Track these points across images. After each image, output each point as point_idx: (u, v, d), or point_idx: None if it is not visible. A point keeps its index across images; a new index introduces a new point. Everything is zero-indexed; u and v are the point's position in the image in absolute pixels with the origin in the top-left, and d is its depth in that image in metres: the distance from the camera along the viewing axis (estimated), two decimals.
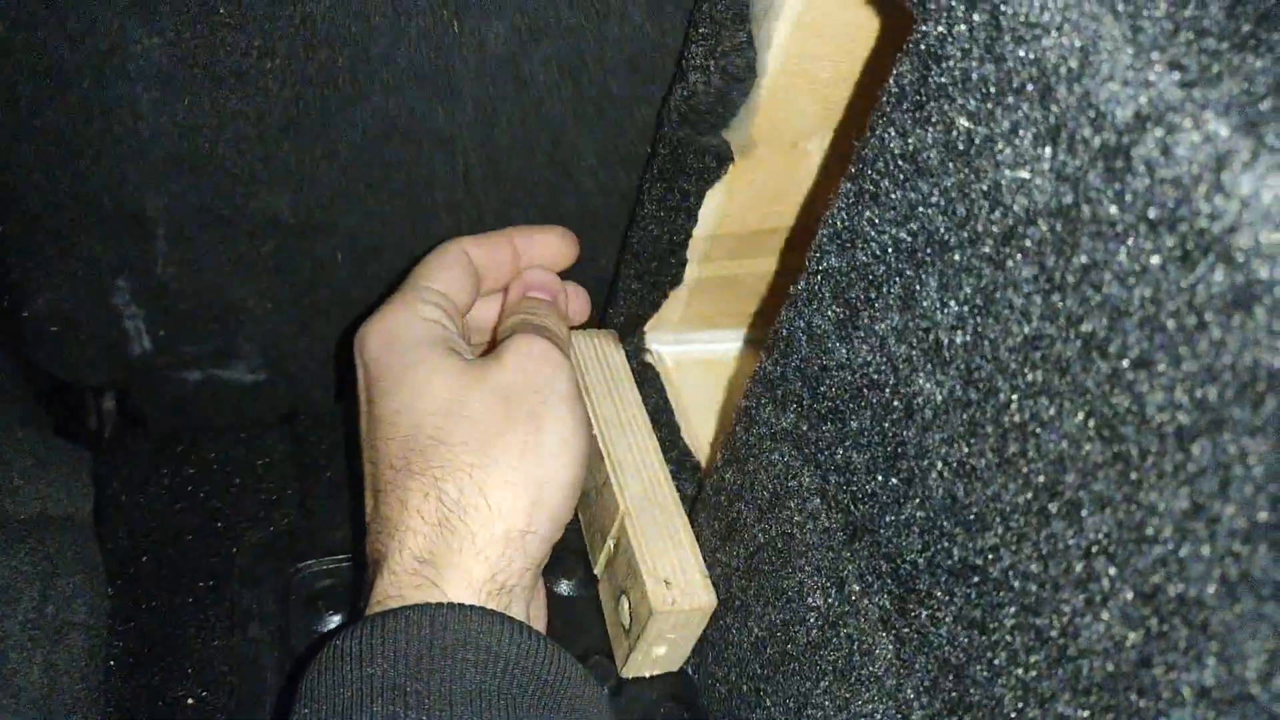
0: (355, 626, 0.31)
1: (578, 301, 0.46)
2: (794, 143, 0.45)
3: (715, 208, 0.47)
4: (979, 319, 0.26)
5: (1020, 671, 0.25)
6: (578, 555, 0.47)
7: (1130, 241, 0.21)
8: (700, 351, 0.54)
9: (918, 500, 0.28)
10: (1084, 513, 0.23)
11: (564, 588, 0.46)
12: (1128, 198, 0.21)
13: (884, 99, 0.29)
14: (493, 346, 0.42)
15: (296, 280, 0.50)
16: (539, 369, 0.36)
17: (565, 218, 0.51)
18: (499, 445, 0.34)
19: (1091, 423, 0.22)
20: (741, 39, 0.40)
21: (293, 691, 0.31)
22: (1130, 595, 0.22)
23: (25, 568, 0.36)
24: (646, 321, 0.52)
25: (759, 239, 0.49)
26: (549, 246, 0.44)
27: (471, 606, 0.31)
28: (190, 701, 0.39)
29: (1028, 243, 0.24)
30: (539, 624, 0.38)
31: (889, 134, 0.28)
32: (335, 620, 0.43)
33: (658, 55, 0.45)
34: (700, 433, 0.51)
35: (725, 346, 0.55)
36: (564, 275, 0.53)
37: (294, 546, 0.45)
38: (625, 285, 0.50)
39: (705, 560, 0.42)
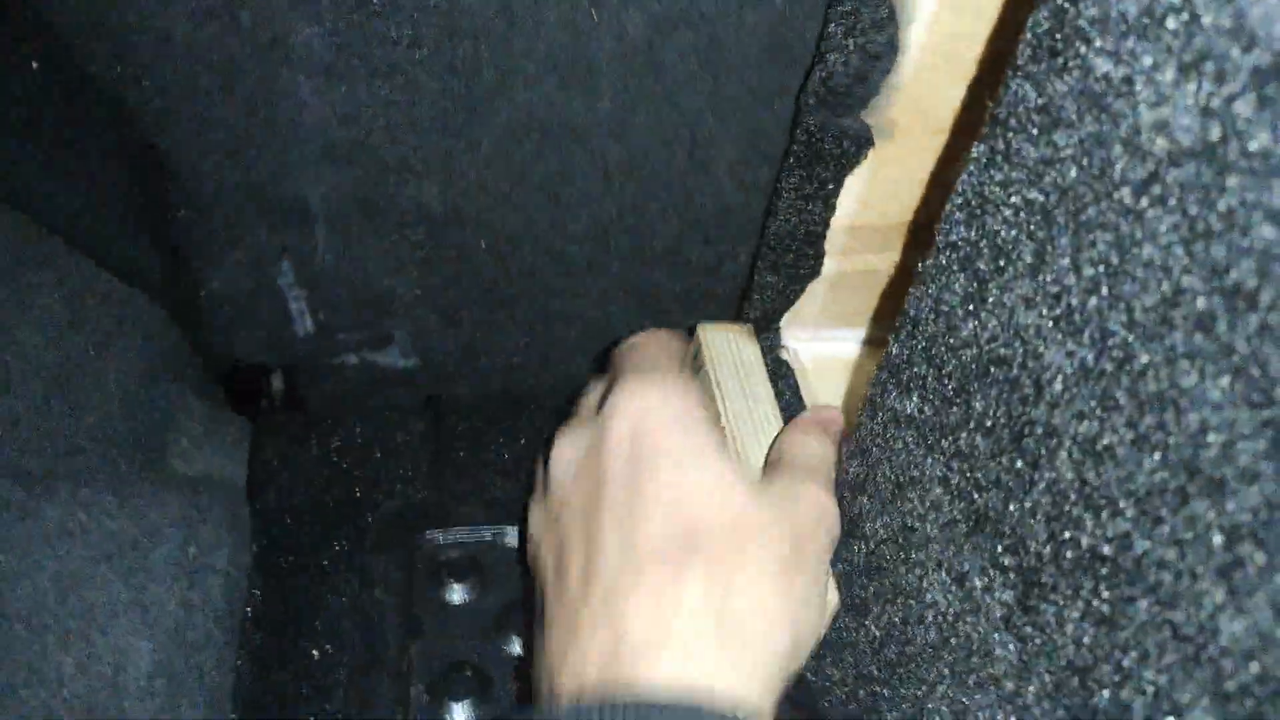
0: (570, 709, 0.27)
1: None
2: (937, 129, 0.43)
3: (854, 197, 0.45)
4: (1114, 279, 0.23)
5: (1152, 674, 0.22)
6: None
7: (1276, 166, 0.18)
8: (837, 349, 0.52)
9: (1044, 485, 0.26)
10: (1227, 491, 0.20)
11: None
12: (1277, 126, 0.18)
13: (1019, 51, 0.27)
14: None
15: (443, 271, 0.52)
16: (820, 524, 0.35)
17: (702, 213, 0.51)
18: (782, 584, 0.31)
19: (1238, 386, 0.20)
20: (884, 13, 0.38)
21: None
22: (1274, 584, 0.19)
23: (174, 514, 0.39)
24: (782, 316, 0.51)
25: (900, 231, 0.47)
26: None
27: (683, 706, 0.27)
28: (315, 654, 0.41)
29: (1168, 189, 0.21)
30: None
31: (1024, 88, 0.26)
32: (457, 590, 0.44)
33: (798, 44, 0.44)
34: None
35: (863, 346, 0.52)
36: (699, 276, 0.53)
37: (423, 518, 0.46)
38: (761, 278, 0.49)
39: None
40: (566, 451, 0.35)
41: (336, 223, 0.49)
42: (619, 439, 0.33)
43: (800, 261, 0.48)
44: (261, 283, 0.52)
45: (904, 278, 0.49)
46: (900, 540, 0.34)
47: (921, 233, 0.46)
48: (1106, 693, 0.23)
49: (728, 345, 0.50)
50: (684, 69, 0.45)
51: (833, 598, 0.37)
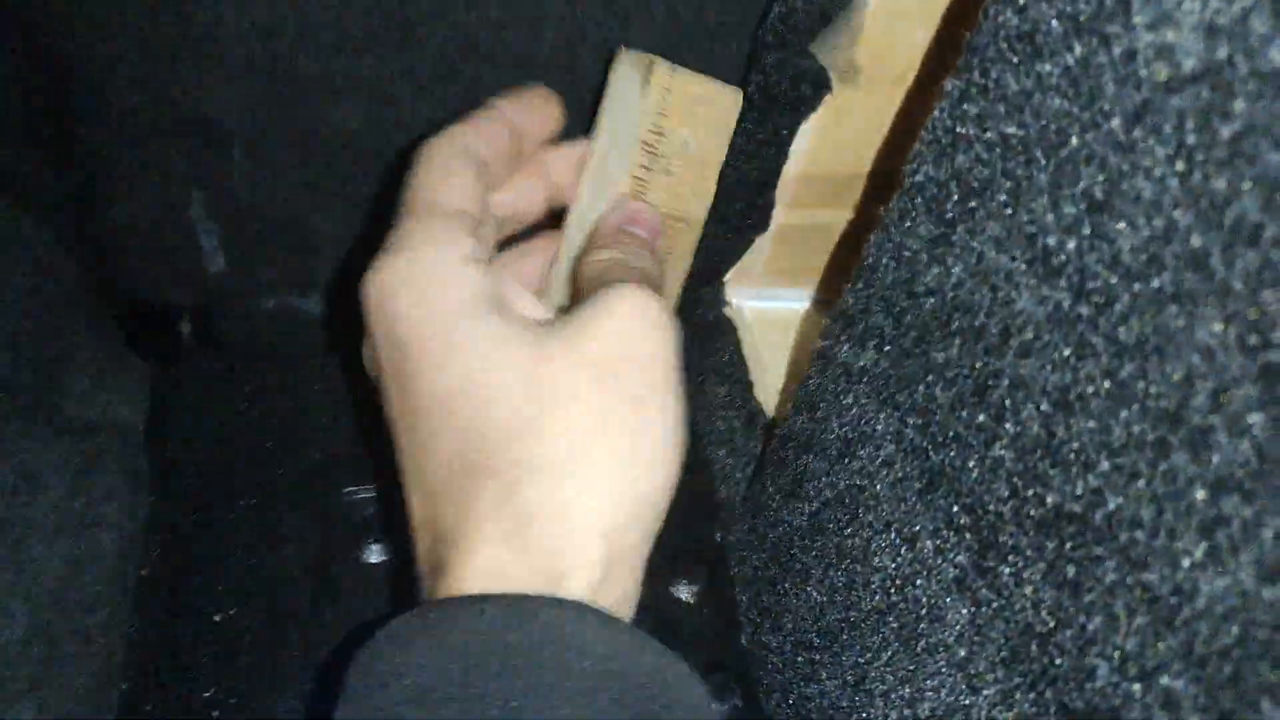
0: (421, 609, 0.24)
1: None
2: (899, 75, 0.41)
3: (809, 144, 0.43)
4: (1097, 216, 0.21)
5: (1119, 638, 0.21)
6: (699, 557, 0.44)
7: None
8: (782, 309, 0.50)
9: (1008, 439, 0.24)
10: (1215, 441, 0.18)
11: (684, 593, 0.43)
12: None
13: None
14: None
15: (371, 208, 0.49)
16: (646, 337, 0.27)
17: None
18: (598, 442, 0.26)
19: (1232, 330, 0.18)
20: None
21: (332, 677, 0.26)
22: (1270, 540, 0.17)
23: (57, 461, 0.35)
24: (727, 271, 0.49)
25: (855, 184, 0.45)
26: (545, 116, 0.35)
27: (569, 601, 0.24)
28: (217, 618, 0.38)
29: (1165, 117, 0.20)
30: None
31: (1005, 14, 0.24)
32: (375, 550, 0.41)
33: None
34: (775, 392, 0.47)
35: (807, 304, 0.51)
36: None
37: (342, 473, 0.43)
38: (706, 229, 0.47)
39: (768, 519, 0.38)
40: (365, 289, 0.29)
41: (254, 148, 0.45)
42: (375, 337, 0.28)
43: (749, 211, 0.46)
44: (170, 213, 0.48)
45: (855, 235, 0.47)
46: (847, 500, 0.32)
47: (877, 186, 0.45)
48: (1067, 659, 0.22)
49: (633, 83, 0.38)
50: (635, 0, 0.42)
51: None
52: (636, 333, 0.27)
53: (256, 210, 0.48)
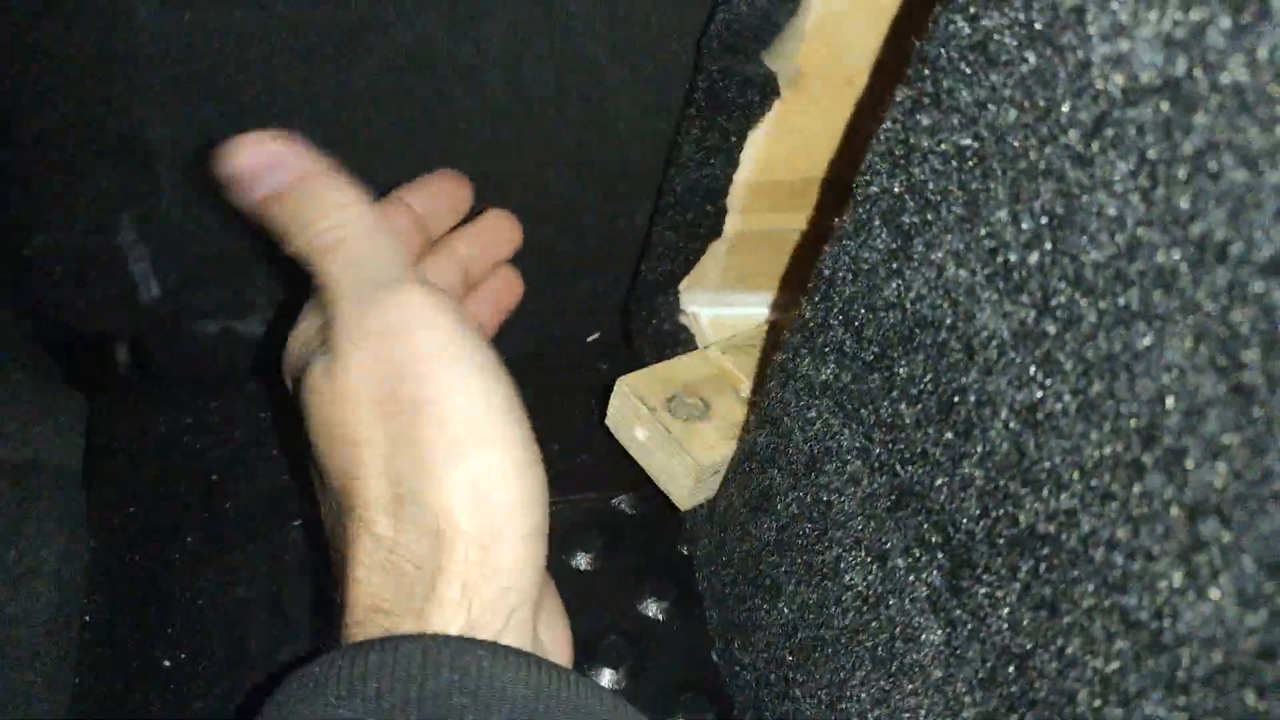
0: (330, 656, 0.24)
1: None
2: (848, 79, 0.41)
3: (760, 150, 0.42)
4: (1059, 232, 0.21)
5: (1099, 663, 0.20)
6: (597, 525, 0.43)
7: (1262, 111, 0.16)
8: (739, 315, 0.49)
9: (977, 457, 0.24)
10: (1189, 463, 0.18)
11: (580, 561, 0.42)
12: (1261, 54, 0.16)
13: None
14: None
15: None
16: (419, 333, 0.27)
17: (597, 164, 0.47)
18: (408, 462, 0.26)
19: (1203, 348, 0.18)
20: None
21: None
22: (1251, 566, 0.17)
23: None
24: (682, 279, 0.48)
25: (808, 189, 0.45)
26: (453, 200, 0.38)
27: (470, 640, 0.24)
28: (167, 664, 0.36)
29: (1124, 130, 0.19)
30: (557, 645, 0.31)
31: (956, 23, 0.24)
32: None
33: None
34: (737, 405, 0.46)
35: (766, 311, 0.50)
36: (594, 233, 0.50)
37: (291, 504, 0.42)
38: (659, 237, 0.46)
39: (735, 534, 0.37)
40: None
41: (185, 169, 0.44)
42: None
43: (701, 219, 0.45)
44: (98, 239, 0.46)
45: (810, 240, 0.47)
46: (815, 516, 0.31)
47: (829, 192, 0.44)
48: (1046, 683, 0.22)
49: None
50: (579, 6, 0.41)
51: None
52: (405, 334, 0.27)
53: (191, 232, 0.46)
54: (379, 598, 0.26)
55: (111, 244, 0.46)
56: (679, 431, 0.38)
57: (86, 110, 0.41)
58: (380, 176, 0.46)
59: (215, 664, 0.37)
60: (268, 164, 0.31)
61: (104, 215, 0.45)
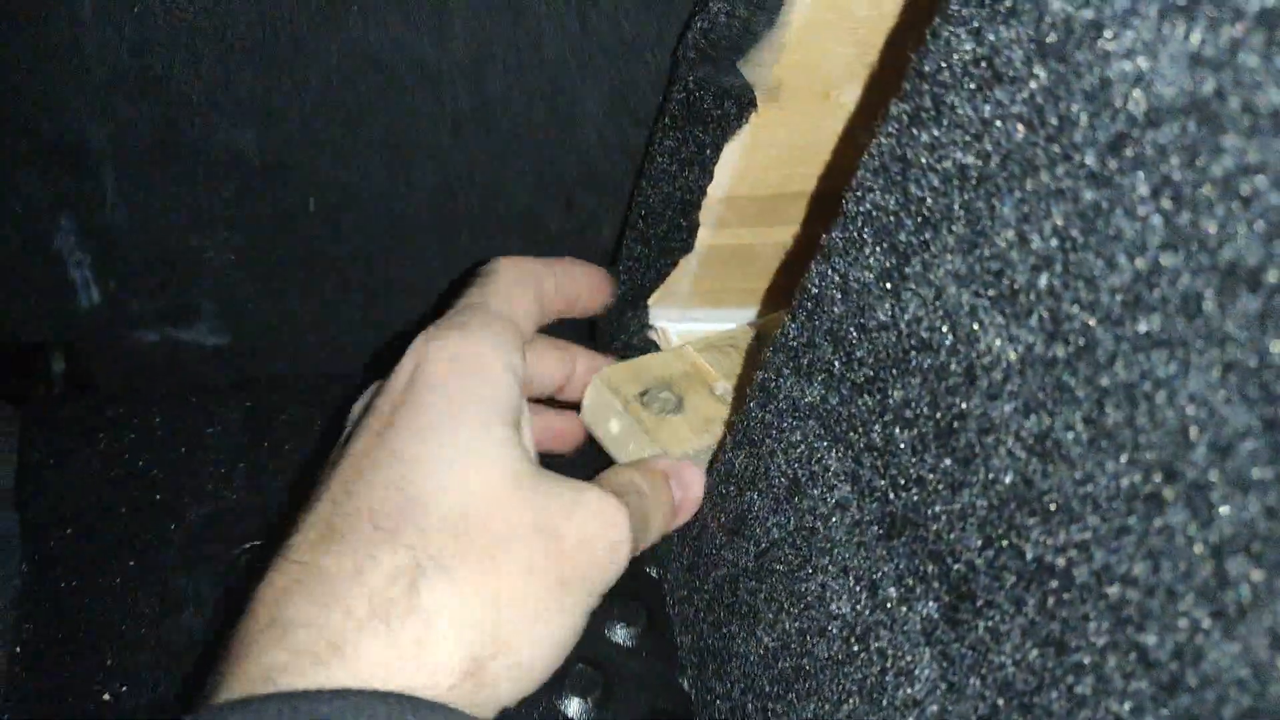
0: (254, 703, 0.22)
1: None
2: (825, 92, 0.40)
3: (734, 164, 0.41)
4: (1073, 254, 0.20)
5: (1114, 703, 0.19)
6: (635, 597, 0.41)
7: None
8: (708, 330, 0.48)
9: (979, 486, 0.23)
10: (1215, 498, 0.17)
11: (620, 635, 0.40)
12: None
13: None
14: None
15: (261, 230, 0.45)
16: (594, 538, 0.29)
17: (564, 174, 0.46)
18: (504, 577, 0.26)
19: (1232, 378, 0.17)
20: None
21: None
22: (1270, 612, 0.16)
23: None
24: (652, 293, 0.47)
25: (781, 204, 0.44)
26: (598, 291, 0.40)
27: (362, 692, 0.23)
28: (106, 698, 0.34)
29: (1146, 150, 0.18)
30: None
31: (958, 36, 0.23)
32: None
33: None
34: None
35: (737, 329, 0.49)
36: (560, 246, 0.48)
37: (240, 525, 0.39)
38: (630, 250, 0.45)
39: (709, 558, 0.36)
40: (381, 384, 0.31)
41: (129, 170, 0.41)
42: (396, 383, 0.30)
43: (673, 233, 0.44)
44: (34, 244, 0.43)
45: (785, 256, 0.46)
46: (798, 541, 0.30)
47: (807, 206, 0.44)
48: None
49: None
50: (548, 9, 0.40)
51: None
52: (590, 530, 0.29)
53: (133, 238, 0.44)
54: (374, 667, 0.24)
55: (48, 248, 0.43)
56: (651, 424, 0.38)
57: (21, 107, 0.38)
58: (334, 181, 0.44)
59: (157, 697, 0.34)
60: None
61: (40, 218, 0.42)
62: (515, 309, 0.32)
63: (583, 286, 0.38)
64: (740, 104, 0.39)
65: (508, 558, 0.27)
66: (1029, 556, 0.21)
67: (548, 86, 0.42)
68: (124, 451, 0.41)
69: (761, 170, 0.42)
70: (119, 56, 0.37)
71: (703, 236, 0.44)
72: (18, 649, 0.34)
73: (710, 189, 0.42)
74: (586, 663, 0.38)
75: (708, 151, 0.41)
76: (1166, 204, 0.18)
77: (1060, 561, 0.21)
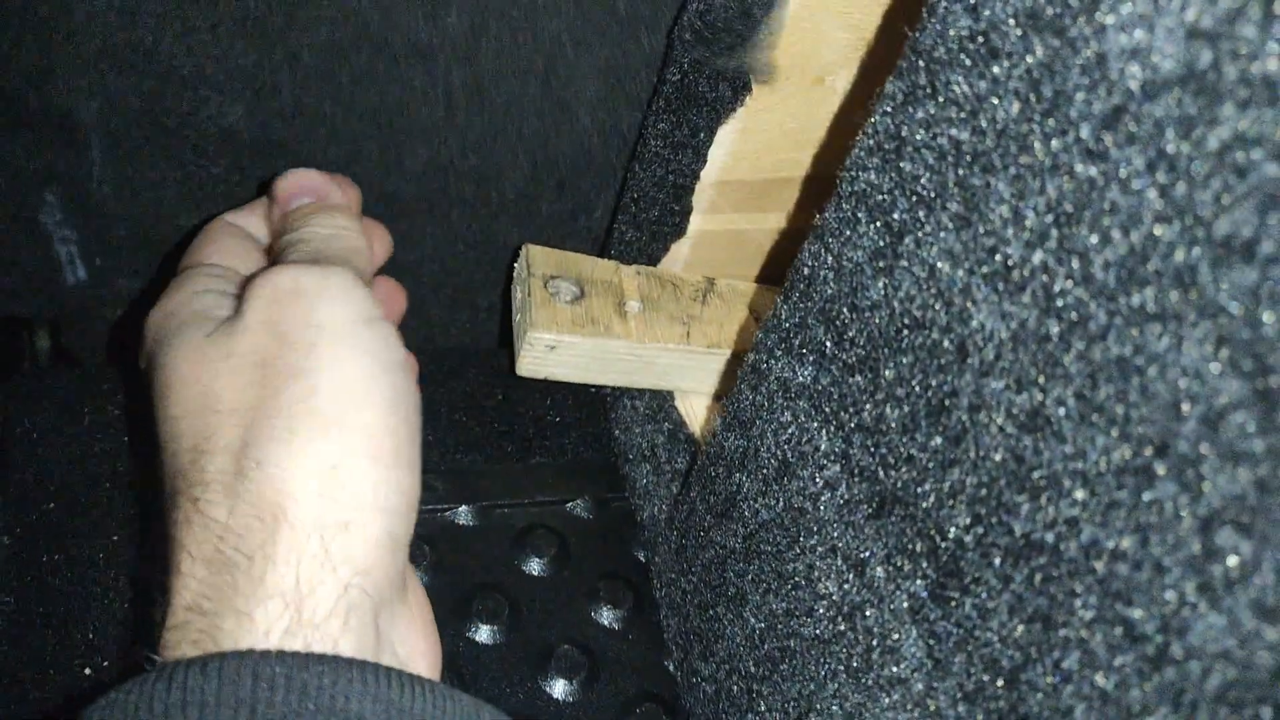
0: (139, 681, 0.21)
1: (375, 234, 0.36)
2: (819, 77, 0.40)
3: (727, 148, 0.41)
4: (1067, 229, 0.20)
5: (1100, 677, 0.19)
6: (551, 529, 0.41)
7: None
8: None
9: (969, 463, 0.23)
10: (1206, 470, 0.17)
11: (533, 566, 0.40)
12: None
13: None
14: None
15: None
16: (293, 308, 0.26)
17: (556, 156, 0.46)
18: (263, 431, 0.24)
19: (1224, 352, 0.17)
20: None
21: None
22: (1271, 578, 0.16)
23: None
24: None
25: (773, 189, 0.44)
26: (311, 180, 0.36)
27: (307, 655, 0.22)
28: (88, 671, 0.34)
29: (1142, 124, 0.18)
30: (414, 659, 0.27)
31: (953, 12, 0.23)
32: None
33: None
34: (696, 404, 0.45)
35: None
36: (551, 228, 0.48)
37: None
38: (621, 234, 0.45)
39: (697, 540, 0.36)
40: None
41: (116, 144, 0.41)
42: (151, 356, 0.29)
43: (665, 217, 0.44)
44: (19, 218, 0.43)
45: (777, 242, 0.46)
46: (787, 522, 0.30)
47: (799, 192, 0.44)
48: (1040, 696, 0.21)
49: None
50: None
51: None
52: (279, 310, 0.26)
53: (120, 214, 0.43)
54: (200, 594, 0.23)
55: (34, 223, 0.43)
56: (538, 300, 0.41)
57: (9, 79, 0.38)
58: (325, 158, 0.43)
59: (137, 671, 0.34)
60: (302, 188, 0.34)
61: (25, 193, 0.42)
62: (210, 255, 0.33)
63: (299, 202, 0.35)
64: (735, 87, 0.39)
65: (252, 410, 0.25)
66: (1017, 533, 0.21)
67: (542, 65, 0.42)
68: (109, 426, 0.41)
69: (755, 155, 0.42)
70: (108, 28, 0.37)
71: (695, 221, 0.44)
72: None
73: (703, 173, 0.42)
74: (572, 645, 0.38)
75: (701, 135, 0.41)
76: (1162, 177, 0.18)
77: (1049, 537, 0.21)
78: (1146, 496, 0.18)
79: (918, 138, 0.25)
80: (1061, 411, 0.20)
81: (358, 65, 0.40)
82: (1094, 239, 0.20)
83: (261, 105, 0.41)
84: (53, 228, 0.44)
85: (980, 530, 0.22)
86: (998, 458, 0.22)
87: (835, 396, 0.28)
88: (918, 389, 0.25)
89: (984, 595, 0.22)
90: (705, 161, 0.42)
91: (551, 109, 0.44)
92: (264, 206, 0.36)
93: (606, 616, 0.40)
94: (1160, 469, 0.18)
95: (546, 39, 0.41)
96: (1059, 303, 0.20)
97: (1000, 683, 0.22)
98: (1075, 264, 0.20)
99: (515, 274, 0.43)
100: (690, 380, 0.44)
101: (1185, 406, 0.18)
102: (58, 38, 0.37)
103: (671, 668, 0.38)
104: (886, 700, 0.26)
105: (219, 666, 0.21)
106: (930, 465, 0.24)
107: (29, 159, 0.41)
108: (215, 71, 0.39)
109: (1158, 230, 0.18)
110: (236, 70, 0.39)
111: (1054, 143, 0.20)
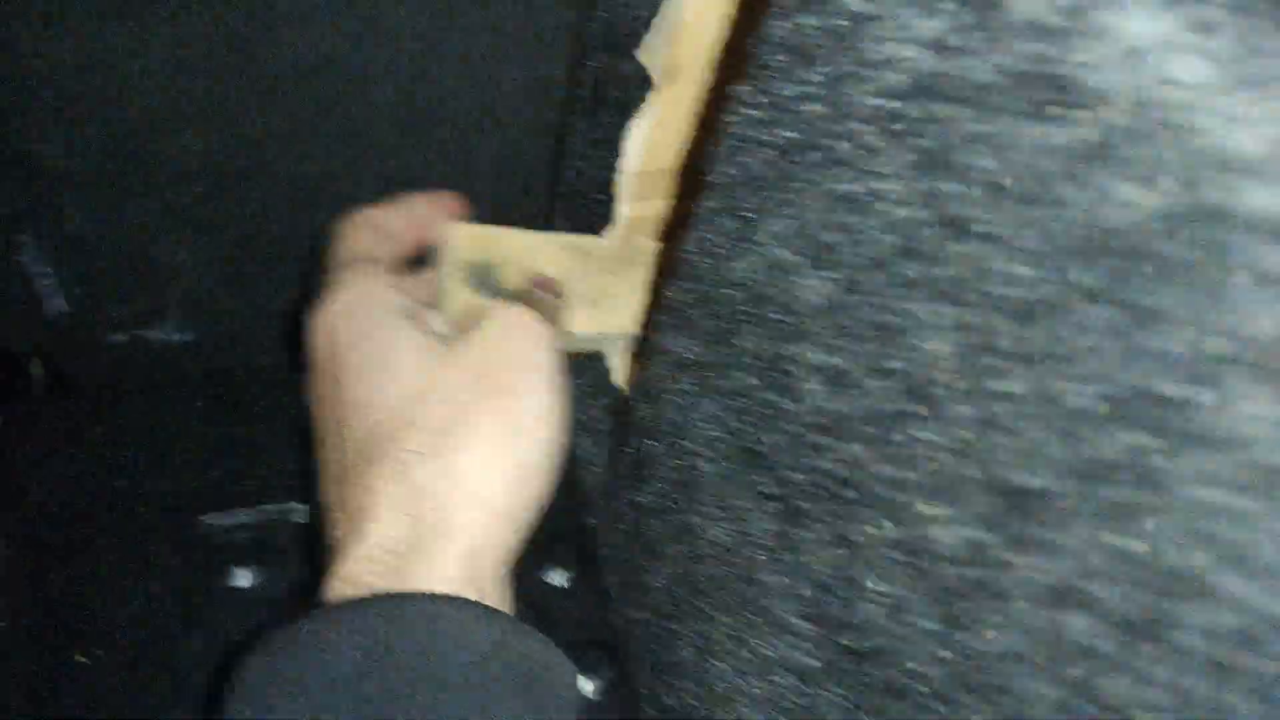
0: (309, 617, 0.26)
1: None
2: (714, 68, 0.43)
3: (642, 141, 0.45)
4: (856, 217, 0.24)
5: (886, 587, 0.23)
6: (569, 543, 0.45)
7: (995, 99, 0.19)
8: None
9: (794, 415, 0.27)
10: (947, 411, 0.21)
11: (557, 578, 0.44)
12: (997, 59, 0.19)
13: None
14: None
15: (225, 232, 0.48)
16: (516, 342, 0.34)
17: (487, 160, 0.49)
18: (472, 425, 0.31)
19: (949, 311, 0.21)
20: None
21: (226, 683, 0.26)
22: (985, 495, 0.20)
23: None
24: None
25: (693, 175, 0.47)
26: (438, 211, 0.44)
27: (447, 596, 0.27)
28: (83, 659, 0.38)
29: (905, 125, 0.22)
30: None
31: (780, 26, 0.27)
32: (240, 575, 0.41)
33: None
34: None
35: None
36: (495, 216, 0.52)
37: (202, 499, 0.43)
38: (557, 227, 0.49)
39: (623, 503, 0.40)
40: (313, 321, 0.36)
41: (88, 184, 0.44)
42: (319, 341, 0.35)
43: (595, 208, 0.48)
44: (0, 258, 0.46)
45: (671, 228, 0.49)
46: (685, 480, 0.34)
47: (689, 179, 0.47)
48: (847, 606, 0.25)
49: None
50: (461, 8, 0.43)
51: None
52: (506, 341, 0.34)
53: (97, 246, 0.47)
54: (395, 540, 0.29)
55: (12, 263, 0.46)
56: (452, 293, 0.42)
57: None
58: (295, 177, 0.47)
59: (128, 657, 0.38)
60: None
61: (4, 237, 0.45)
62: (371, 252, 0.38)
63: (428, 214, 0.43)
64: (642, 88, 0.43)
65: (466, 407, 0.31)
66: (832, 472, 0.25)
67: (468, 81, 0.46)
68: (97, 445, 0.45)
69: (667, 146, 0.45)
70: (72, 75, 0.40)
71: (621, 210, 0.48)
72: (1, 623, 0.38)
73: (624, 166, 0.46)
74: (522, 603, 0.42)
75: (616, 132, 0.44)
76: (915, 170, 0.22)
77: (846, 473, 0.24)
78: (910, 433, 0.22)
79: (757, 136, 0.28)
80: (853, 366, 0.24)
81: (319, 91, 0.44)
82: (875, 221, 0.23)
83: (226, 134, 0.44)
84: (31, 266, 0.47)
85: (806, 474, 0.26)
86: (813, 407, 0.26)
87: (711, 366, 0.32)
88: (762, 356, 0.28)
89: (812, 528, 0.26)
90: (623, 156, 0.45)
91: (480, 119, 0.47)
92: (398, 205, 0.41)
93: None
94: (913, 410, 0.22)
95: (470, 58, 0.45)
96: (856, 277, 0.24)
97: (826, 599, 0.26)
98: (863, 243, 0.24)
99: (443, 258, 0.44)
100: (612, 350, 0.47)
101: (926, 357, 0.21)
102: (25, 89, 0.40)
103: (613, 618, 0.43)
104: (759, 627, 0.29)
105: (385, 600, 0.27)
106: (775, 419, 0.28)
107: (4, 204, 0.44)
108: (181, 107, 0.42)
109: (914, 214, 0.22)
110: (200, 104, 0.43)
111: (845, 143, 0.24)
